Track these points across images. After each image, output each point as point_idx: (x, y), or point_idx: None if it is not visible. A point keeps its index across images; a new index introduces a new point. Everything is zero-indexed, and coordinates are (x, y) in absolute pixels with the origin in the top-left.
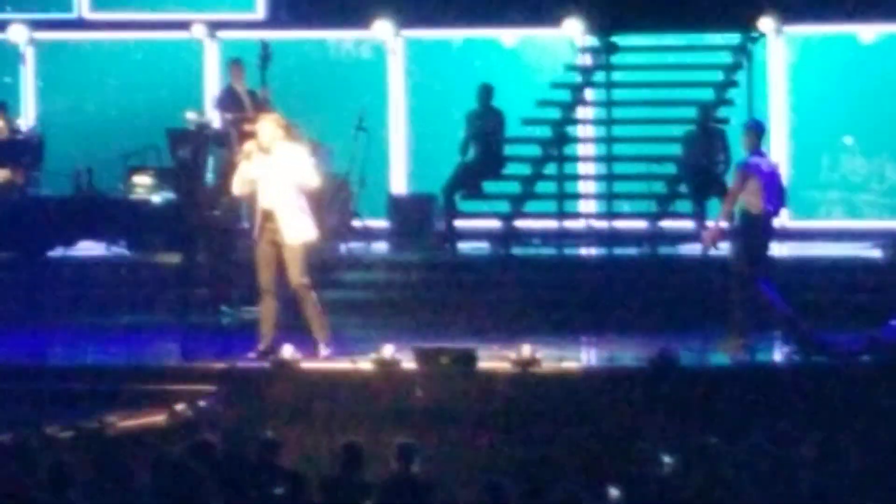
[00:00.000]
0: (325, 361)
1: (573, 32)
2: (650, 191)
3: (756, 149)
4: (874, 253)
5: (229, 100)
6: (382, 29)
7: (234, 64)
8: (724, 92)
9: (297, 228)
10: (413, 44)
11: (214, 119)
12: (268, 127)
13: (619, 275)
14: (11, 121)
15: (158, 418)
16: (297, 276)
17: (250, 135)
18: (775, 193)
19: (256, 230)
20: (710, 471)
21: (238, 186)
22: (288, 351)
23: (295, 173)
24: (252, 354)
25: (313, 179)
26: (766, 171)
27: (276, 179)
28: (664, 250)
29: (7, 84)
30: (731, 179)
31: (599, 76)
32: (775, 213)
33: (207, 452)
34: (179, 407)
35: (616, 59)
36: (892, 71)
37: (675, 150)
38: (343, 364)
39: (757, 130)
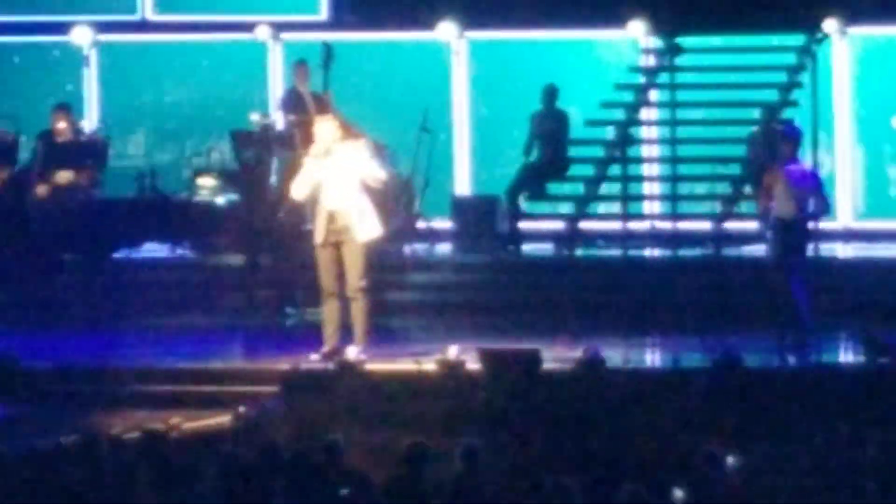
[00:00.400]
0: (384, 362)
1: (637, 34)
2: (714, 192)
3: (791, 155)
4: None
5: (293, 101)
6: (446, 30)
7: (298, 66)
8: (789, 93)
9: (363, 227)
10: (477, 45)
11: (278, 121)
12: (326, 128)
13: (683, 276)
14: (75, 123)
15: (223, 420)
16: (357, 278)
17: (314, 137)
18: (811, 198)
19: (319, 233)
20: (773, 472)
21: (299, 190)
22: (352, 352)
23: (358, 172)
24: (316, 356)
25: (379, 175)
26: (799, 176)
27: (339, 180)
28: (728, 251)
29: (71, 86)
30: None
31: (664, 77)
32: (812, 217)
33: (272, 454)
34: (244, 409)
35: (680, 60)
36: None
37: (740, 151)
38: (407, 365)
39: (791, 137)
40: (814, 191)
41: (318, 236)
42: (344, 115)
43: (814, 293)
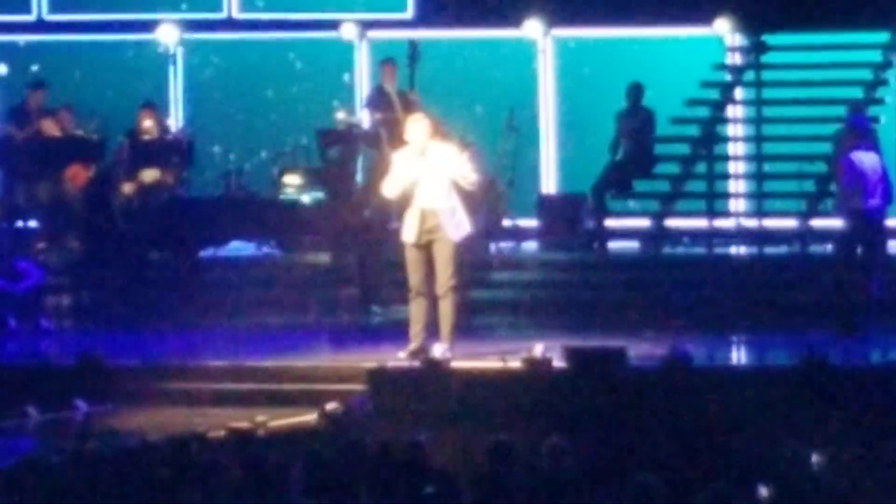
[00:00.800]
0: (469, 360)
1: (723, 31)
2: (800, 189)
3: (854, 146)
4: None
5: (379, 100)
6: (532, 28)
7: (385, 64)
8: (874, 90)
9: (455, 226)
10: (563, 43)
11: (364, 119)
12: (419, 127)
13: (769, 274)
14: (161, 121)
15: (309, 418)
16: (447, 277)
17: (400, 135)
18: (877, 189)
19: (412, 232)
20: (859, 470)
21: (391, 189)
22: (438, 350)
23: (451, 171)
24: (402, 354)
25: (472, 176)
26: (863, 168)
27: (432, 180)
28: (814, 249)
29: (157, 84)
30: None
31: (749, 75)
32: (878, 209)
33: (358, 452)
34: (330, 407)
35: (766, 57)
36: None
37: (826, 148)
38: (493, 363)
39: (855, 127)
40: (882, 181)
41: (410, 235)
42: (431, 113)
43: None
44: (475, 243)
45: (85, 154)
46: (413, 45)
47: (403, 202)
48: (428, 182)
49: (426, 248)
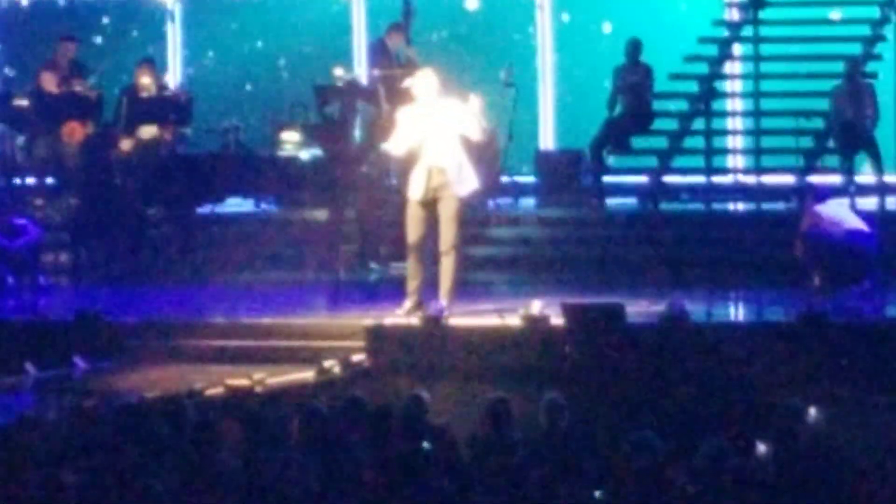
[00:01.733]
0: (467, 317)
1: None
2: (798, 146)
3: None
4: None
5: (381, 55)
6: None
7: (394, 27)
8: (872, 46)
9: (462, 183)
10: None
11: (362, 75)
12: (427, 83)
13: (768, 230)
14: (159, 77)
15: (307, 375)
16: (452, 235)
17: (398, 91)
18: None
19: (419, 189)
20: (857, 424)
21: (397, 146)
22: (434, 307)
23: (459, 126)
24: (400, 311)
25: (476, 131)
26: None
27: (439, 136)
28: None
29: (155, 41)
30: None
31: (747, 31)
32: None
33: (356, 408)
34: (328, 363)
35: (764, 13)
36: None
37: (823, 104)
38: (491, 320)
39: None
40: None
41: (417, 192)
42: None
43: None
44: (473, 199)
45: (83, 110)
46: (407, 2)
47: (407, 159)
48: (435, 139)
49: (431, 205)
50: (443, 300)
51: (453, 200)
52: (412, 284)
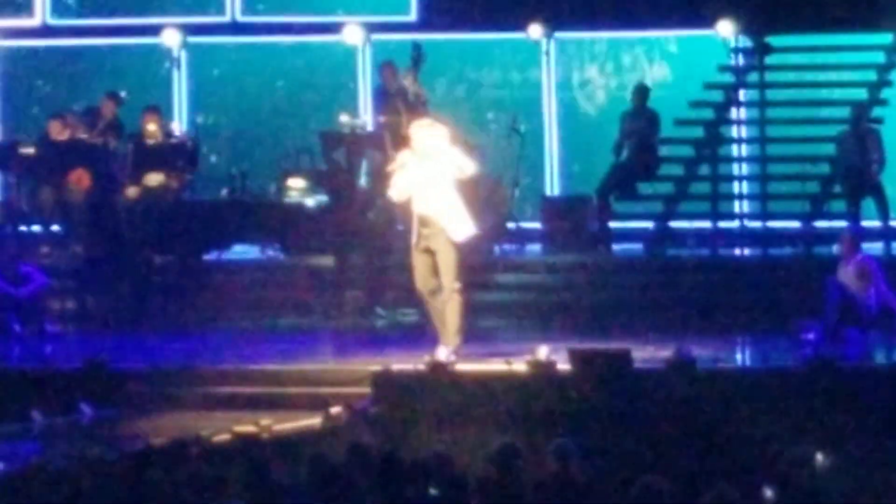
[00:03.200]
0: (474, 363)
1: (726, 33)
2: (804, 191)
3: None
4: None
5: (383, 102)
6: (536, 31)
7: (385, 66)
8: (878, 91)
9: (456, 228)
10: (566, 45)
11: (368, 122)
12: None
13: (774, 275)
14: (165, 125)
15: (314, 422)
16: (450, 280)
17: (404, 137)
18: None
19: (414, 237)
20: (864, 471)
21: (399, 192)
22: (442, 353)
23: (452, 172)
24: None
25: (469, 168)
26: None
27: (433, 183)
28: (819, 250)
29: (161, 88)
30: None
31: (753, 76)
32: None
33: (364, 455)
34: (335, 410)
35: (769, 59)
36: None
37: (829, 150)
38: (498, 366)
39: None
40: None
41: (413, 239)
42: (436, 114)
43: None
44: (479, 245)
45: (89, 158)
46: (416, 47)
47: (409, 205)
48: (424, 186)
49: (428, 251)
50: (443, 346)
51: (448, 246)
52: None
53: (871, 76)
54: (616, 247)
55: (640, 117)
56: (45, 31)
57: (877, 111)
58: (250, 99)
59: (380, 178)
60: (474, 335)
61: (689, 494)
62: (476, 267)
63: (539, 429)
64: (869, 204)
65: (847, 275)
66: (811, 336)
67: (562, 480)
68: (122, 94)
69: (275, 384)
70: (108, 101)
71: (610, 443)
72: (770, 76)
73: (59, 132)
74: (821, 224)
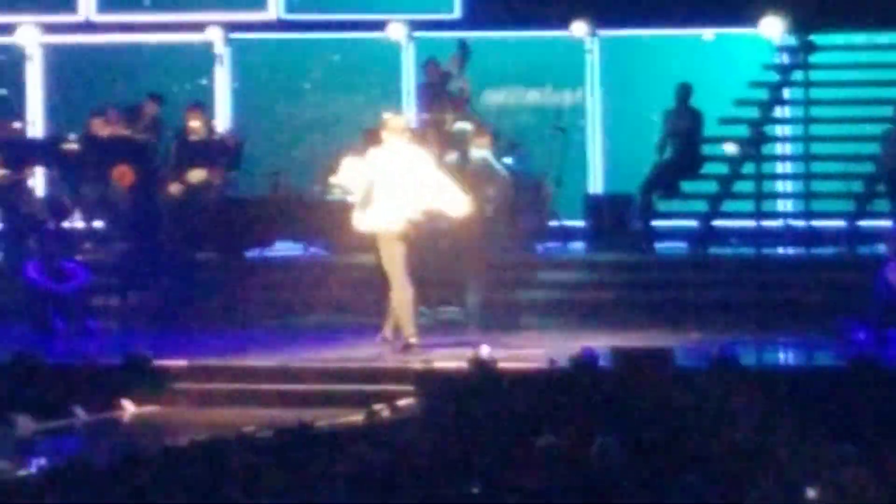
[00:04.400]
0: (518, 361)
1: (771, 31)
2: (848, 190)
3: None
4: None
5: (429, 98)
6: (580, 28)
7: (427, 65)
8: None
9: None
10: (610, 43)
11: (412, 119)
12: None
13: (818, 274)
14: (208, 122)
15: (356, 419)
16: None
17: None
18: None
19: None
20: None
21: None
22: (485, 350)
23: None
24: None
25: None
26: None
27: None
28: (862, 250)
29: (204, 85)
30: None
31: (797, 75)
32: None
33: (406, 453)
34: (377, 407)
35: (814, 57)
36: None
37: (874, 149)
38: (541, 363)
39: None
40: None
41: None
42: (474, 113)
43: None
44: (522, 244)
45: (132, 154)
46: (463, 45)
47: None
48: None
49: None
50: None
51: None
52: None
53: None
54: (659, 245)
55: (684, 116)
56: (89, 26)
57: None
58: (293, 96)
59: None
60: (517, 333)
61: (732, 494)
62: (519, 265)
63: (581, 427)
64: None
65: (893, 273)
66: (861, 336)
67: (604, 478)
68: (163, 95)
69: (317, 381)
70: (151, 102)
71: (652, 442)
72: (814, 75)
73: (101, 128)
74: (865, 223)
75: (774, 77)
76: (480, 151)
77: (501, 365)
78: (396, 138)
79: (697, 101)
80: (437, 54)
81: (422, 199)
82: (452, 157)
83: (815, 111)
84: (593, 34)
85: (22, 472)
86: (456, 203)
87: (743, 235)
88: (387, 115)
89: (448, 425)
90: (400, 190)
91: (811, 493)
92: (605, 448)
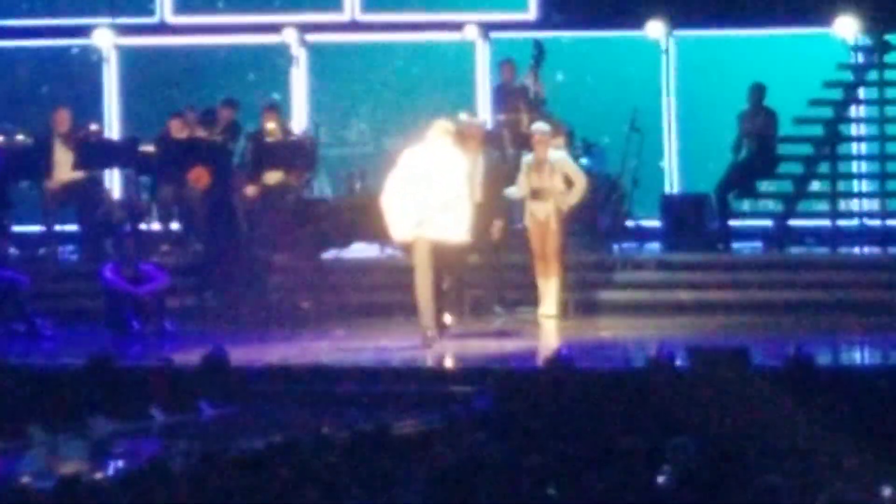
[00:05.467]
0: (595, 361)
1: (845, 31)
2: None
3: None
4: None
5: (502, 100)
6: (655, 29)
7: (504, 64)
8: None
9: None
10: (686, 43)
11: (487, 120)
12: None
13: (894, 274)
14: (284, 123)
15: (433, 421)
16: None
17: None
18: None
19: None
20: None
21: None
22: (558, 351)
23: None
24: None
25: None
26: None
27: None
28: None
29: (279, 86)
30: None
31: (872, 74)
32: None
33: (482, 454)
34: (454, 409)
35: (889, 57)
36: None
37: None
38: (616, 363)
39: None
40: None
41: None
42: (552, 112)
43: None
44: (598, 244)
45: (208, 156)
46: (538, 45)
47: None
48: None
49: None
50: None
51: None
52: None
53: None
54: (735, 245)
55: (758, 116)
56: (165, 28)
57: None
58: (369, 97)
59: (497, 176)
60: (592, 334)
61: (809, 494)
62: (595, 265)
63: (658, 427)
64: None
65: None
66: None
67: (680, 479)
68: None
69: (394, 383)
70: (226, 108)
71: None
72: (889, 74)
73: (178, 130)
74: None
75: (849, 77)
76: (558, 152)
77: (577, 366)
78: (438, 139)
79: (772, 100)
80: (512, 55)
81: (439, 203)
82: (529, 157)
83: (890, 110)
84: (669, 34)
85: (99, 475)
86: (456, 227)
87: (818, 235)
88: (462, 116)
89: (524, 426)
90: (425, 190)
91: (887, 491)
92: (680, 448)
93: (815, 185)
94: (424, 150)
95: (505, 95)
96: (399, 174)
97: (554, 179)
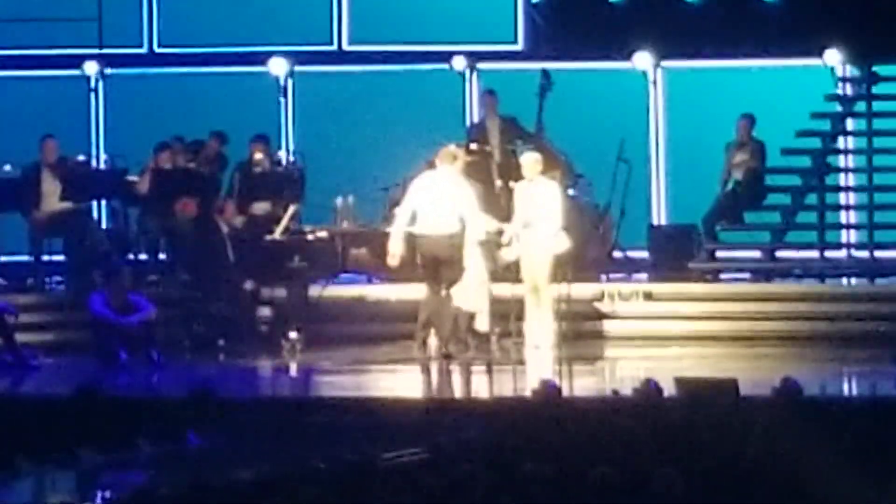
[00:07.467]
0: (583, 391)
1: (833, 62)
2: None
3: None
4: None
5: (476, 134)
6: (642, 60)
7: (485, 95)
8: None
9: None
10: (673, 74)
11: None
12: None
13: (881, 305)
14: (272, 153)
15: (421, 452)
16: None
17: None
18: None
19: None
20: None
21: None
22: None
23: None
24: None
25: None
26: None
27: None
28: None
29: (268, 117)
30: None
31: (860, 106)
32: None
33: (468, 485)
34: (442, 441)
35: (877, 88)
36: None
37: None
38: (605, 393)
39: None
40: None
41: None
42: (545, 140)
43: None
44: (586, 274)
45: (195, 186)
46: (545, 75)
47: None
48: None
49: None
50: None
51: None
52: None
53: None
54: (723, 276)
55: (746, 147)
56: (152, 59)
57: None
58: (357, 127)
59: (485, 207)
60: (580, 364)
61: None
62: (583, 296)
63: (646, 457)
64: None
65: None
66: None
67: None
68: (226, 132)
69: (382, 414)
70: (214, 140)
71: (717, 471)
72: (877, 105)
73: (165, 161)
74: None
75: (837, 108)
76: (548, 184)
77: (567, 396)
78: (445, 165)
79: (760, 131)
80: (498, 85)
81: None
82: (522, 184)
83: (878, 142)
84: (656, 66)
85: None
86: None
87: (806, 266)
88: (448, 147)
89: (511, 456)
90: (433, 214)
91: None
92: (665, 479)
93: (803, 217)
94: (433, 176)
95: (478, 127)
96: (409, 202)
97: (541, 209)
